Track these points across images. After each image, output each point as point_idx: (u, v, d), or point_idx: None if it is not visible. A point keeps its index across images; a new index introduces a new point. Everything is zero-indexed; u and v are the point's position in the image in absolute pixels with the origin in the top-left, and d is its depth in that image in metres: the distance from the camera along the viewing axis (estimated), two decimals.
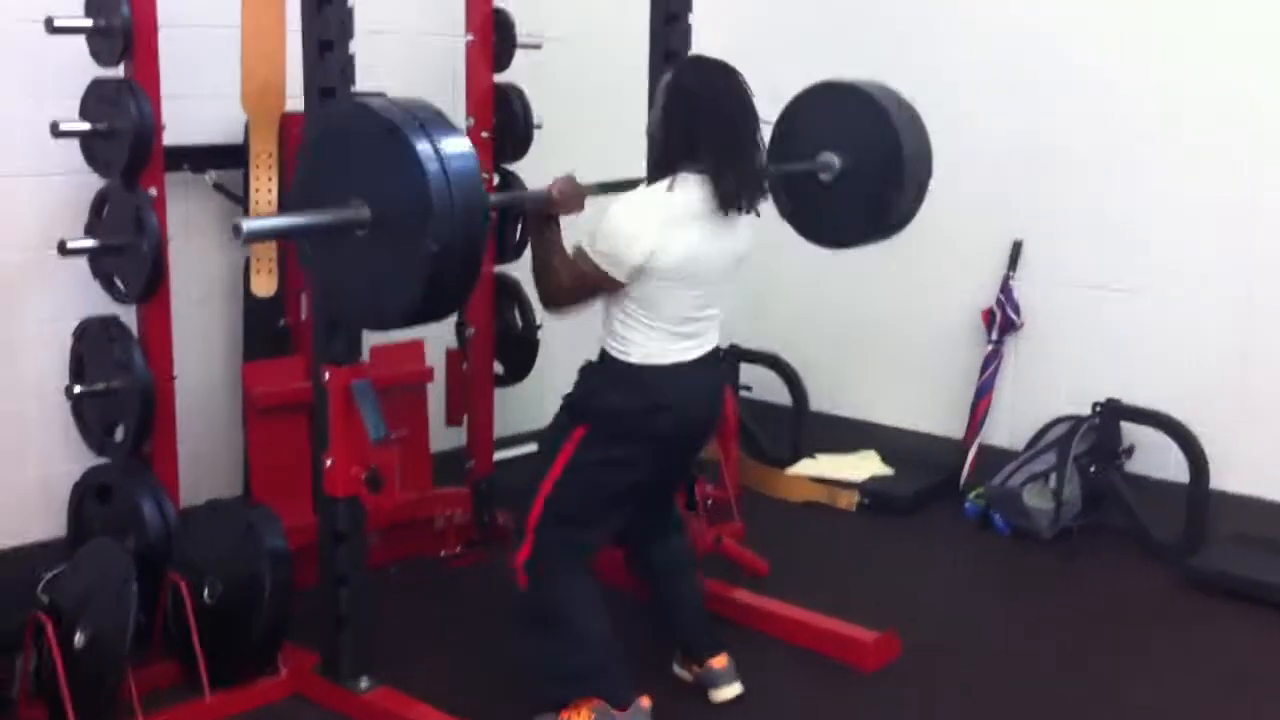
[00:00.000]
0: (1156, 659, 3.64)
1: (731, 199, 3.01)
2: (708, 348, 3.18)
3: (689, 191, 3.01)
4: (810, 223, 3.74)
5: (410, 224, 2.50)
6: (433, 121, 2.55)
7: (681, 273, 3.01)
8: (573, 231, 3.12)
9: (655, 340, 3.07)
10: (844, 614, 3.65)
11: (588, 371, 3.19)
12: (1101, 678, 3.51)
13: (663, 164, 3.10)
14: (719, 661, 3.33)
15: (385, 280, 2.59)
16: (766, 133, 3.32)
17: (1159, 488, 4.42)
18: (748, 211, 3.09)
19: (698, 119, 3.04)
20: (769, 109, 3.58)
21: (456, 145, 2.53)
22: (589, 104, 4.82)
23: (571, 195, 3.11)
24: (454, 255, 2.51)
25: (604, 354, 3.15)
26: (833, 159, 3.62)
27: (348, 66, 3.02)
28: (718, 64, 3.12)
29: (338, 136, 2.67)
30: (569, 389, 3.20)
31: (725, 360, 5.08)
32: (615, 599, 3.24)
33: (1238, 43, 4.20)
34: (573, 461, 3.10)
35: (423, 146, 2.48)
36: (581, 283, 3.05)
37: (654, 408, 3.07)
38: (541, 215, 3.11)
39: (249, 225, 2.55)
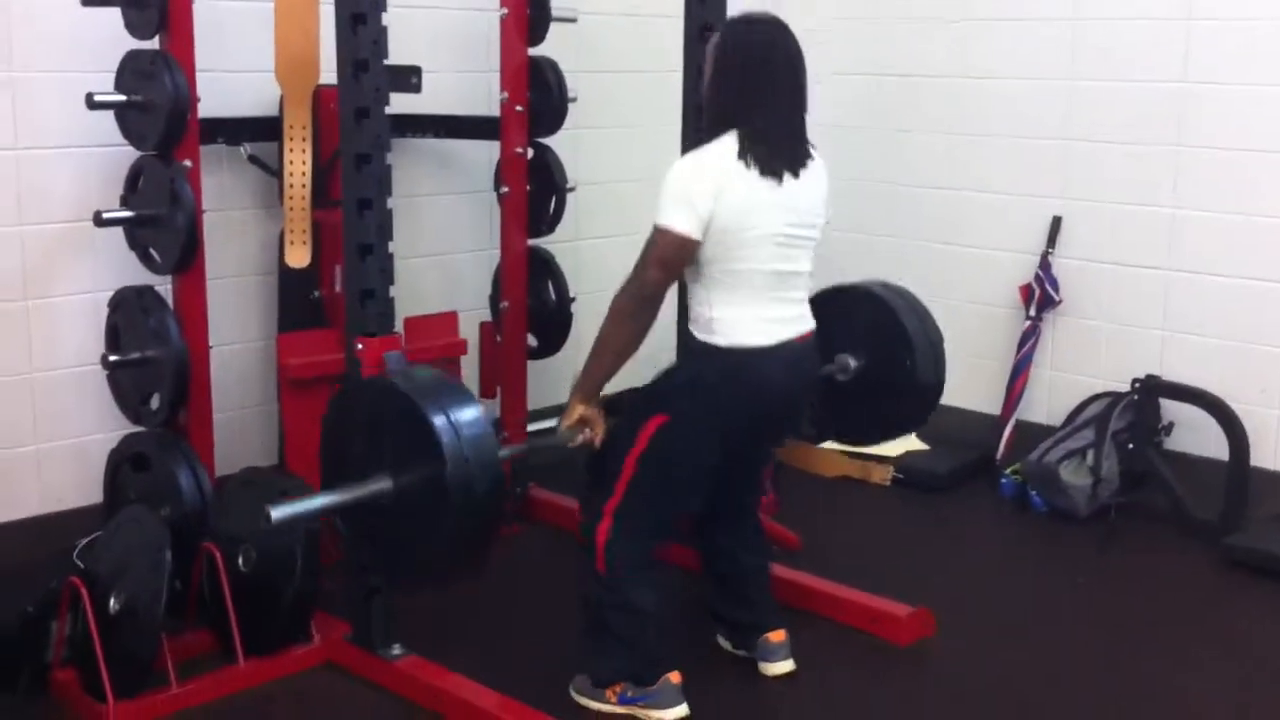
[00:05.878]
0: (1193, 638, 3.61)
1: (767, 159, 2.93)
2: (803, 327, 3.10)
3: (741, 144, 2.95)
4: (825, 420, 3.74)
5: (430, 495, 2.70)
6: (448, 394, 2.75)
7: (751, 221, 2.92)
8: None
9: (744, 306, 2.98)
10: (877, 589, 3.63)
11: (677, 363, 3.18)
12: (1136, 656, 3.49)
13: (715, 126, 3.01)
14: (778, 636, 3.32)
15: (413, 542, 2.79)
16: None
17: (1198, 465, 4.38)
18: (793, 172, 2.98)
19: (745, 78, 2.97)
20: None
21: (470, 414, 2.72)
22: (623, 78, 4.80)
23: (591, 424, 3.07)
24: (474, 519, 2.71)
25: (688, 343, 3.09)
26: (848, 360, 3.60)
27: (380, 39, 3.02)
28: (765, 21, 3.04)
29: (361, 414, 2.90)
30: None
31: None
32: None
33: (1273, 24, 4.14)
34: (651, 450, 3.03)
35: (439, 420, 2.67)
36: (641, 293, 2.94)
37: (737, 393, 3.00)
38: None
39: (277, 513, 2.71)
